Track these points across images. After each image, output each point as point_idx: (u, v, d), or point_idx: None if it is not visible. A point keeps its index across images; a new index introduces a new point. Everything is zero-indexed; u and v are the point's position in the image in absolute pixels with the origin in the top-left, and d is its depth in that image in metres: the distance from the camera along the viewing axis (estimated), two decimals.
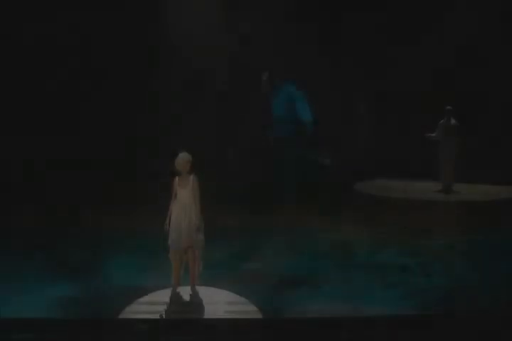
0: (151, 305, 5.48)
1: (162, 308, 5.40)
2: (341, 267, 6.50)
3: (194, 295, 5.69)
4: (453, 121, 10.02)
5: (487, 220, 8.28)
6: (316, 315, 5.33)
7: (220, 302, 5.57)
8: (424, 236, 7.61)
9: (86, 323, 5.07)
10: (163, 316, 5.26)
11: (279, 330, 4.94)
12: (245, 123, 7.72)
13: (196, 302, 5.56)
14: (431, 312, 5.37)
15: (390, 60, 11.02)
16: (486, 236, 7.54)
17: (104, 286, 5.95)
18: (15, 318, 5.09)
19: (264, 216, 8.22)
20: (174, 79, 9.21)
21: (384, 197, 9.94)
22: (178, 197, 5.78)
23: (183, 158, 5.78)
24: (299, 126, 5.61)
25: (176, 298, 5.63)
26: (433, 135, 9.99)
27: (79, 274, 6.23)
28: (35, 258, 6.70)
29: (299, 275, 6.23)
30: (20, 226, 7.97)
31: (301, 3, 10.48)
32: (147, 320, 5.10)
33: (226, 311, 5.39)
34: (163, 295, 5.66)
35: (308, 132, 5.73)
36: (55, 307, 5.43)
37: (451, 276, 6.24)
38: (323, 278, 6.06)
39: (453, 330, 4.90)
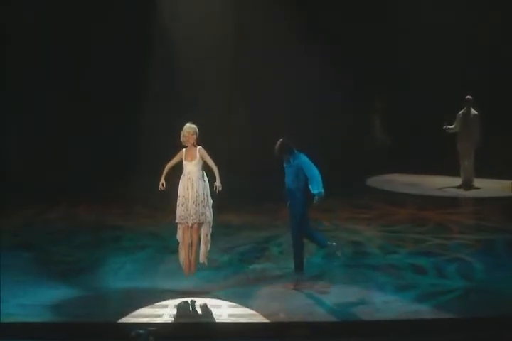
0: (153, 308, 5.51)
1: (164, 312, 5.44)
2: (352, 268, 6.51)
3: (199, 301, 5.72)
4: (473, 112, 9.94)
5: (509, 218, 8.25)
6: (325, 319, 5.33)
7: (223, 305, 5.61)
8: (441, 235, 7.59)
9: (84, 327, 5.13)
10: (166, 320, 5.30)
11: (286, 334, 4.97)
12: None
13: (200, 306, 5.61)
14: (448, 317, 5.34)
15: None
16: (507, 235, 7.51)
17: (102, 288, 5.98)
18: (10, 323, 5.13)
19: (269, 214, 8.29)
20: None
21: (398, 193, 9.92)
22: (184, 171, 5.81)
23: (188, 129, 5.79)
24: (308, 196, 5.74)
25: (179, 301, 5.67)
26: (451, 127, 9.91)
27: (76, 276, 6.27)
28: (30, 258, 6.75)
29: (307, 277, 6.24)
30: (16, 225, 8.06)
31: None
32: (149, 324, 5.13)
33: (230, 314, 5.43)
34: (166, 299, 5.70)
35: (316, 200, 5.81)
36: (51, 310, 5.47)
37: (469, 278, 6.22)
38: (332, 280, 6.07)
39: (470, 336, 4.90)
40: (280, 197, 6.20)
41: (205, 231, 5.84)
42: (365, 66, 11.43)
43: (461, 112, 9.95)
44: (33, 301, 5.60)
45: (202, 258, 5.90)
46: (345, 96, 11.51)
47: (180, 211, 5.79)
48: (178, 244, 5.90)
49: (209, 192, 5.81)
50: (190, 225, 5.77)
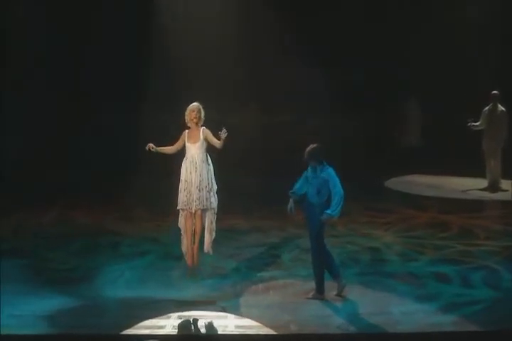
0: (155, 319, 5.48)
1: (167, 323, 5.42)
2: (369, 276, 6.46)
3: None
4: (500, 108, 9.87)
5: None
6: (339, 331, 5.29)
7: (230, 316, 5.59)
8: (466, 241, 7.54)
9: (81, 339, 5.13)
10: (169, 332, 5.28)
11: None
12: None
13: (205, 317, 5.58)
14: (473, 329, 5.30)
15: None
16: None
17: (101, 298, 5.96)
18: (2, 335, 5.14)
19: (279, 217, 8.27)
20: None
21: (418, 195, 9.87)
22: (187, 153, 5.80)
23: (191, 107, 5.80)
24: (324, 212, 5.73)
25: (182, 311, 5.65)
26: (477, 124, 9.85)
27: (72, 284, 6.26)
28: (23, 265, 6.75)
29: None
30: (8, 229, 8.08)
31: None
32: (150, 336, 5.13)
33: (237, 326, 5.41)
34: (169, 309, 5.67)
35: (323, 219, 5.73)
36: (46, 321, 5.46)
37: (496, 287, 6.16)
38: (348, 289, 6.01)
39: None
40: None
41: (210, 219, 5.82)
42: (375, 66, 11.95)
43: (486, 108, 9.89)
44: (27, 311, 5.59)
45: (206, 248, 5.88)
46: (359, 96, 11.80)
47: (182, 196, 5.77)
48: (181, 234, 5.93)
49: (213, 177, 5.79)
50: (193, 212, 5.73)
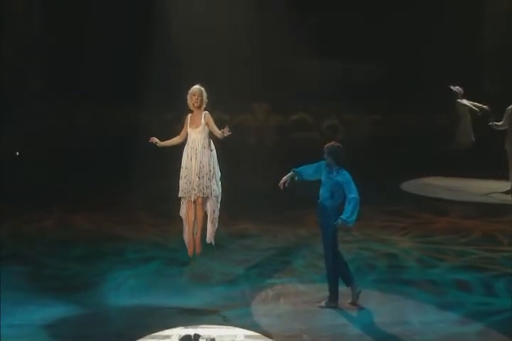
0: (160, 329, 5.48)
1: (173, 333, 5.41)
2: (386, 283, 6.44)
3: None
4: None
5: None
6: None
7: (239, 325, 5.56)
8: (488, 247, 7.51)
9: None
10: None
11: None
12: None
13: (213, 326, 5.57)
14: (497, 340, 5.27)
15: None
16: None
17: (103, 306, 5.97)
18: None
19: (291, 222, 8.25)
20: None
21: (437, 199, 9.83)
22: (188, 139, 5.82)
23: (193, 90, 5.83)
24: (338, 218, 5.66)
25: (189, 320, 5.63)
26: (499, 123, 9.81)
27: (73, 292, 6.27)
28: (22, 272, 6.75)
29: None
30: (4, 234, 8.11)
31: None
32: None
33: (247, 336, 5.40)
34: (175, 318, 5.66)
35: (338, 224, 5.68)
36: (46, 331, 5.46)
37: None
38: (364, 297, 5.99)
39: None
40: (303, 202, 6.11)
41: (212, 207, 5.83)
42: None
43: (510, 107, 9.85)
44: (26, 321, 5.60)
45: (209, 238, 5.90)
46: (373, 96, 11.87)
47: (182, 184, 5.81)
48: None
49: (216, 163, 5.79)
50: (193, 200, 5.75)
